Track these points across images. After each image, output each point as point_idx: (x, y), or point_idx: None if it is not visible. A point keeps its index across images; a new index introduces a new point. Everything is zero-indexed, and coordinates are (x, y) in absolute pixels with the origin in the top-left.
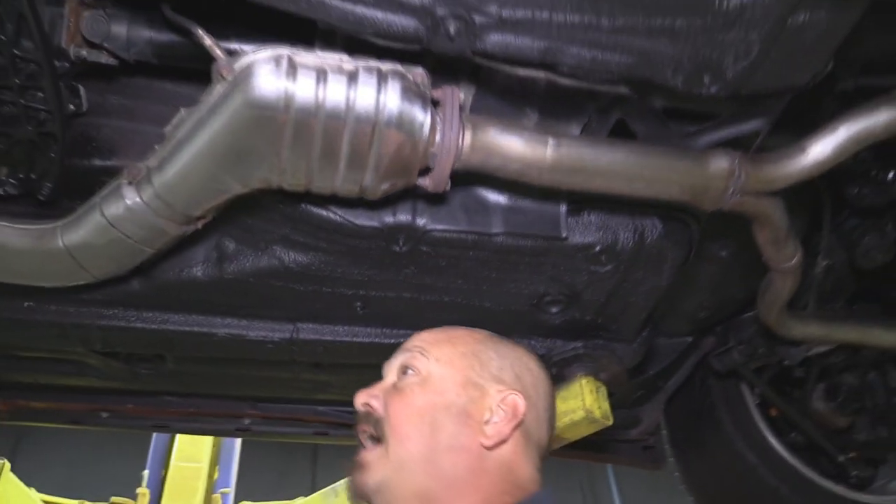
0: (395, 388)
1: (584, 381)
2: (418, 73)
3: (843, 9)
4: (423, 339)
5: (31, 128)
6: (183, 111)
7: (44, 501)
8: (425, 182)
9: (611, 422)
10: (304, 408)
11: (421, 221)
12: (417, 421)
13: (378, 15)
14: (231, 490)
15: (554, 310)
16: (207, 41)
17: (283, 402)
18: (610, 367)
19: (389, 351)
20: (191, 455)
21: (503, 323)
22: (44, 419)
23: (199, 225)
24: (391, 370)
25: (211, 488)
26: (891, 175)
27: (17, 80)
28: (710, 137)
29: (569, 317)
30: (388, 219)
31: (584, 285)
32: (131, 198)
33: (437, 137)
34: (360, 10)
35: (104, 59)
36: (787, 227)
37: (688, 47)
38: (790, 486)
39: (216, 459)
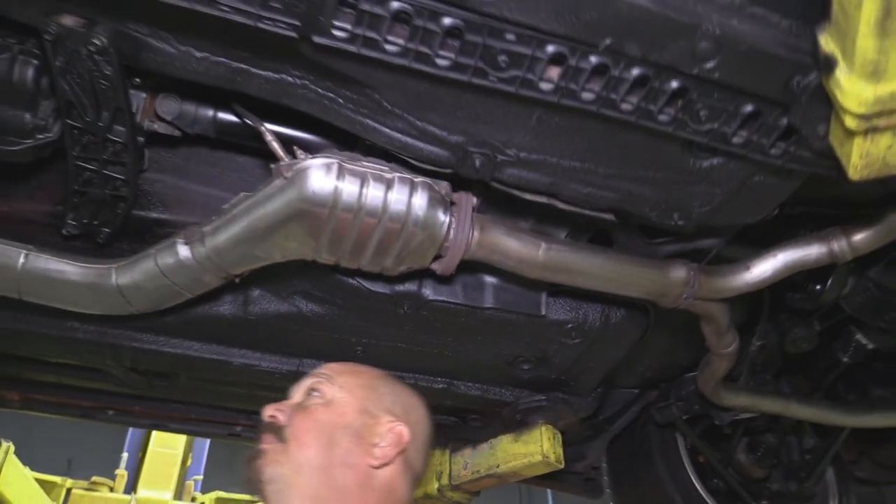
0: (300, 405)
1: (543, 429)
2: (444, 185)
3: (789, 178)
4: (331, 369)
5: (108, 191)
6: (243, 194)
7: (35, 479)
8: (436, 266)
9: (562, 465)
10: None
11: (425, 292)
12: (317, 433)
13: (420, 144)
14: (201, 478)
15: (525, 367)
16: (273, 143)
17: None
18: (567, 416)
19: None
20: (167, 442)
21: (480, 372)
22: (54, 411)
23: (237, 280)
24: (299, 391)
25: (184, 475)
26: (818, 287)
27: (104, 156)
28: (671, 248)
29: (537, 374)
30: (398, 287)
31: (553, 352)
32: (184, 254)
33: (451, 235)
34: (405, 138)
35: (171, 131)
36: (727, 322)
37: (664, 193)
38: None
39: (189, 448)
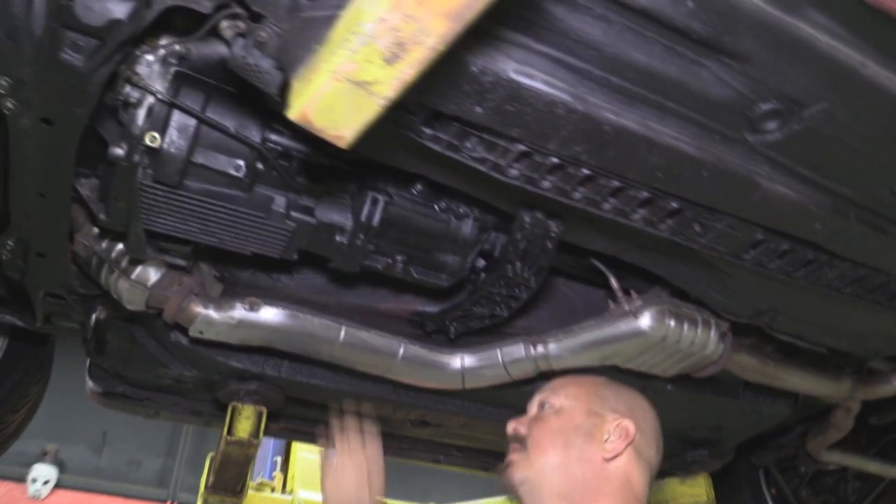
0: (536, 417)
1: (704, 478)
2: (725, 325)
3: None
4: (556, 383)
5: (488, 313)
6: (592, 320)
7: None
8: (700, 373)
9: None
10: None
11: (668, 386)
12: (553, 438)
13: (729, 303)
14: None
15: (699, 431)
16: (615, 285)
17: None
18: (713, 467)
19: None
20: (309, 448)
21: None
22: (299, 438)
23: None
24: (532, 406)
25: None
26: None
27: (505, 293)
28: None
29: (704, 436)
30: None
31: (728, 424)
32: (526, 354)
33: (722, 357)
34: (720, 297)
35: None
36: (857, 410)
37: (879, 343)
38: None
39: None
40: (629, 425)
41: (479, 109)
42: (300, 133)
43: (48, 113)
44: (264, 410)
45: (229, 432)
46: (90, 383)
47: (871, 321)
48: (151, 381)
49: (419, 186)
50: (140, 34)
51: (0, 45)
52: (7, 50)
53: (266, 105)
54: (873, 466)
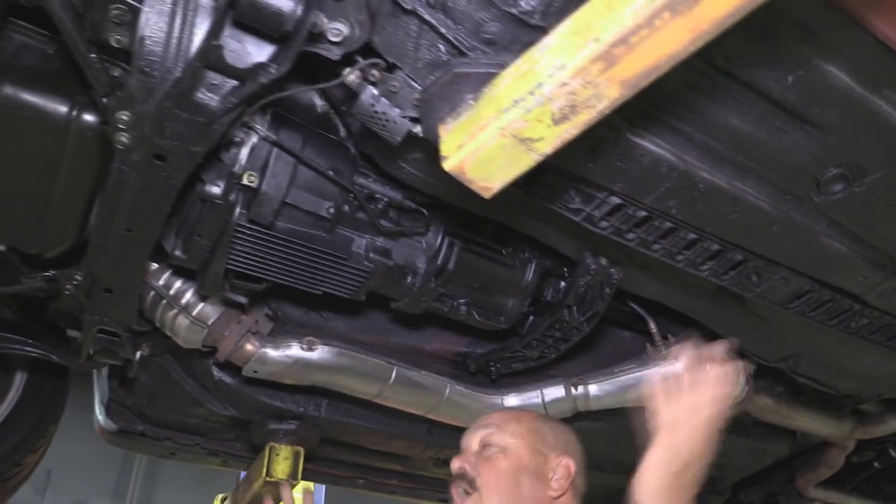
0: (482, 455)
1: None
2: (751, 367)
3: None
4: (495, 418)
5: (537, 355)
6: (632, 363)
7: None
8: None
9: None
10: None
11: None
12: (506, 480)
13: (760, 349)
14: None
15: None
16: (655, 330)
17: None
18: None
19: None
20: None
21: None
22: (327, 480)
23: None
24: (473, 442)
25: None
26: None
27: (558, 336)
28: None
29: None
30: None
31: (733, 463)
32: (566, 394)
33: (743, 396)
34: (755, 346)
35: None
36: (851, 449)
37: (885, 385)
38: None
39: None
40: (570, 463)
41: (591, 165)
42: (386, 177)
43: (163, 149)
44: (302, 451)
45: (268, 473)
46: (104, 421)
47: (882, 366)
48: (176, 420)
49: (489, 231)
50: (279, 79)
51: (131, 80)
52: (137, 85)
53: (359, 150)
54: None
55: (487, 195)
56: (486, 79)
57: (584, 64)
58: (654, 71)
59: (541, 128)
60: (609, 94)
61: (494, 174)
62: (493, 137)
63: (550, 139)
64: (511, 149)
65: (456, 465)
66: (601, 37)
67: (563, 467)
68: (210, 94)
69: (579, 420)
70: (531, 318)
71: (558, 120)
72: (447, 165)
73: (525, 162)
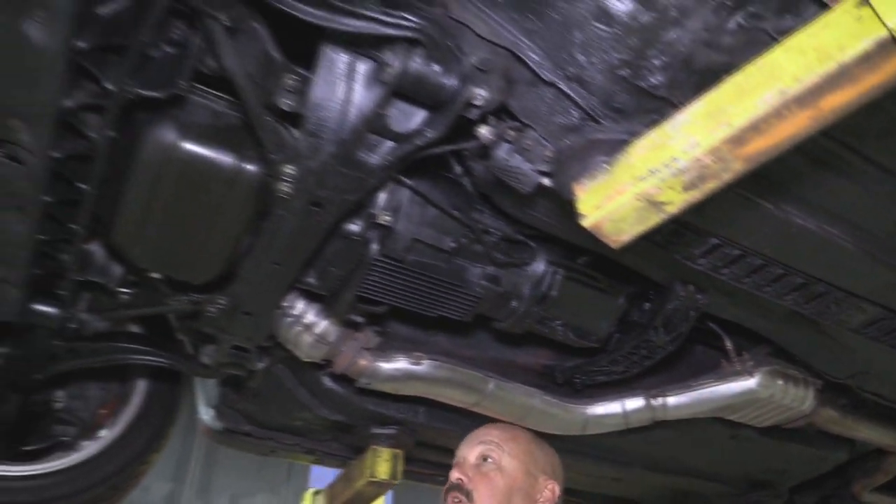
0: (479, 470)
1: None
2: (819, 383)
3: None
4: (496, 436)
5: (617, 376)
6: (709, 377)
7: None
8: (790, 424)
9: None
10: None
11: (747, 432)
12: (500, 496)
13: (826, 365)
14: None
15: (767, 475)
16: (730, 347)
17: None
18: None
19: None
20: None
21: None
22: (420, 479)
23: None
24: (472, 455)
25: None
26: None
27: (642, 352)
28: None
29: (769, 478)
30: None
31: (793, 468)
32: (646, 405)
33: (811, 409)
34: (817, 361)
35: None
36: None
37: None
38: None
39: None
40: (556, 487)
41: (700, 216)
42: (497, 212)
43: (321, 198)
44: (401, 453)
45: (371, 473)
46: (212, 421)
47: None
48: (282, 422)
49: (586, 258)
50: (436, 142)
51: (299, 140)
52: (305, 144)
53: (476, 189)
54: None
55: (617, 247)
56: (619, 146)
57: (717, 144)
58: (776, 150)
59: (671, 194)
60: (734, 167)
61: (625, 230)
62: (629, 201)
63: (678, 203)
64: (643, 210)
65: (455, 476)
66: (733, 122)
67: (550, 491)
68: (370, 153)
69: (656, 429)
70: (616, 335)
71: (687, 187)
72: (586, 223)
73: (653, 220)
